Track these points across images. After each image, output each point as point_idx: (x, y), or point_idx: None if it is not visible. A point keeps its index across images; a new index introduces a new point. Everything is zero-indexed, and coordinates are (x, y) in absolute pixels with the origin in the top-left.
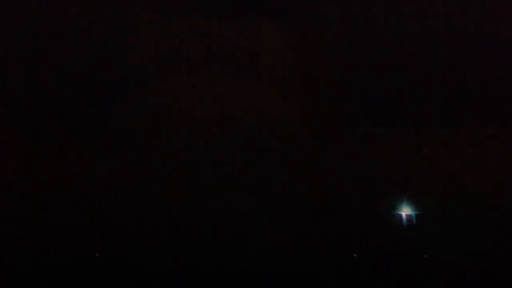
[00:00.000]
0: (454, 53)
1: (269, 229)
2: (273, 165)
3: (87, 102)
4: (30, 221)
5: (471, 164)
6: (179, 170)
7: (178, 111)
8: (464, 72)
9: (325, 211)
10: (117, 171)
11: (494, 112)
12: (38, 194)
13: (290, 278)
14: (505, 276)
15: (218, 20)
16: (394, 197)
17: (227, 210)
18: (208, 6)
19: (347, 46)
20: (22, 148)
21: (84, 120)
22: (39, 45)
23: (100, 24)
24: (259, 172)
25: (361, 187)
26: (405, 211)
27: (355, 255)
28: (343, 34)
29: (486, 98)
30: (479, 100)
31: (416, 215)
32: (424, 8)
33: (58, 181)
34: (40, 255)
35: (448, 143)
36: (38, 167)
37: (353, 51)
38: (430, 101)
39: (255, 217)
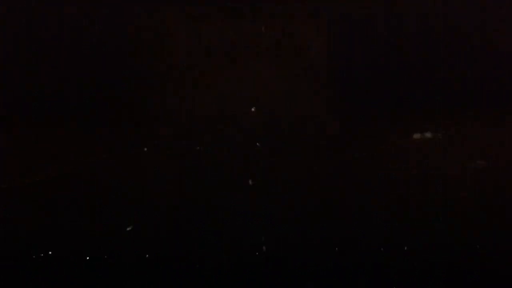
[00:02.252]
0: (454, 53)
1: (269, 229)
2: (273, 165)
3: (86, 102)
4: (30, 221)
5: (470, 164)
6: (179, 170)
7: (178, 111)
8: (464, 72)
9: (325, 211)
10: (116, 171)
11: (494, 112)
12: (38, 194)
13: (290, 278)
14: (505, 276)
15: (218, 20)
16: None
17: (227, 210)
18: (207, 6)
19: (347, 46)
20: (22, 148)
21: (83, 120)
22: (39, 45)
23: (101, 24)
24: (259, 172)
25: (361, 187)
26: None
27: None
28: (343, 34)
29: (486, 98)
30: (479, 100)
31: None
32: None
33: (58, 181)
34: (39, 255)
35: (447, 143)
36: (38, 167)
37: (353, 51)
38: (430, 101)
39: (255, 217)
